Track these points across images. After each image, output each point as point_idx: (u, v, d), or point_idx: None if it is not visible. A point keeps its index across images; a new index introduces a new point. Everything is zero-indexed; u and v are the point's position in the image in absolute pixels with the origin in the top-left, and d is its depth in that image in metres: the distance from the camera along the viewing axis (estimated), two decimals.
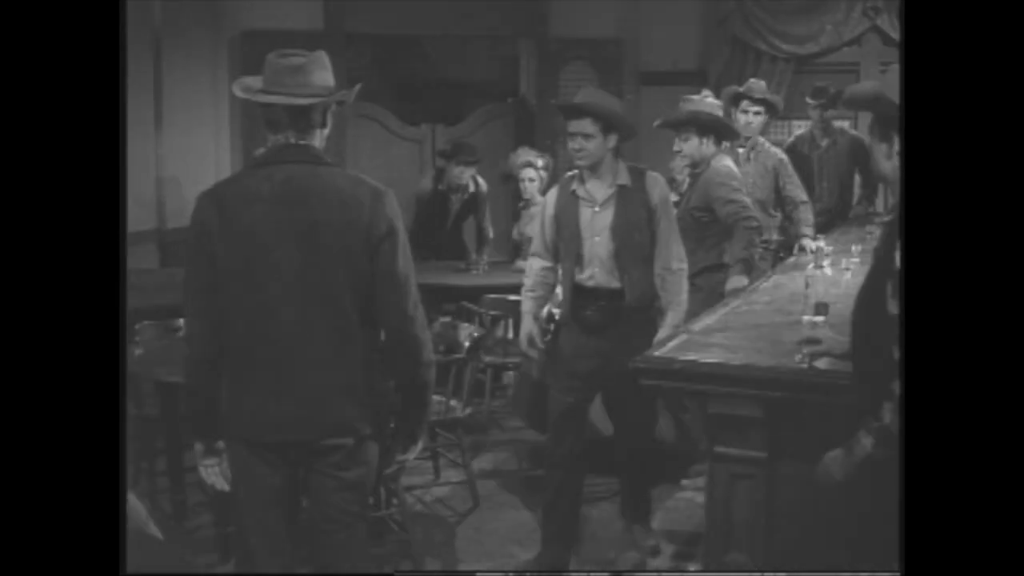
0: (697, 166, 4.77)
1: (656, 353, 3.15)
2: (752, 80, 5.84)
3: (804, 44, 7.82)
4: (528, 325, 4.03)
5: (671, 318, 3.85)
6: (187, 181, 7.11)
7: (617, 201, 3.83)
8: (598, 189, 3.85)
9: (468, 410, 4.54)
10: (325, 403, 2.61)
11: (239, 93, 2.66)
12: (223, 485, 2.77)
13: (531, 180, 6.35)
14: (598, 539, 4.22)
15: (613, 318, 3.84)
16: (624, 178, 3.84)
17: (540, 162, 6.40)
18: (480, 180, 6.80)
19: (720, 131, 4.77)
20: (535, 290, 4.04)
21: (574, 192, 3.89)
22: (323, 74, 2.62)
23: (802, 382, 2.90)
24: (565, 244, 3.91)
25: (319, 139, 2.65)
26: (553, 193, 4.01)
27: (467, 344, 4.51)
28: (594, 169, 3.82)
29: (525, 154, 6.45)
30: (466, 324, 4.99)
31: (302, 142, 2.61)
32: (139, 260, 6.20)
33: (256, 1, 7.51)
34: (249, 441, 2.66)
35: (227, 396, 2.66)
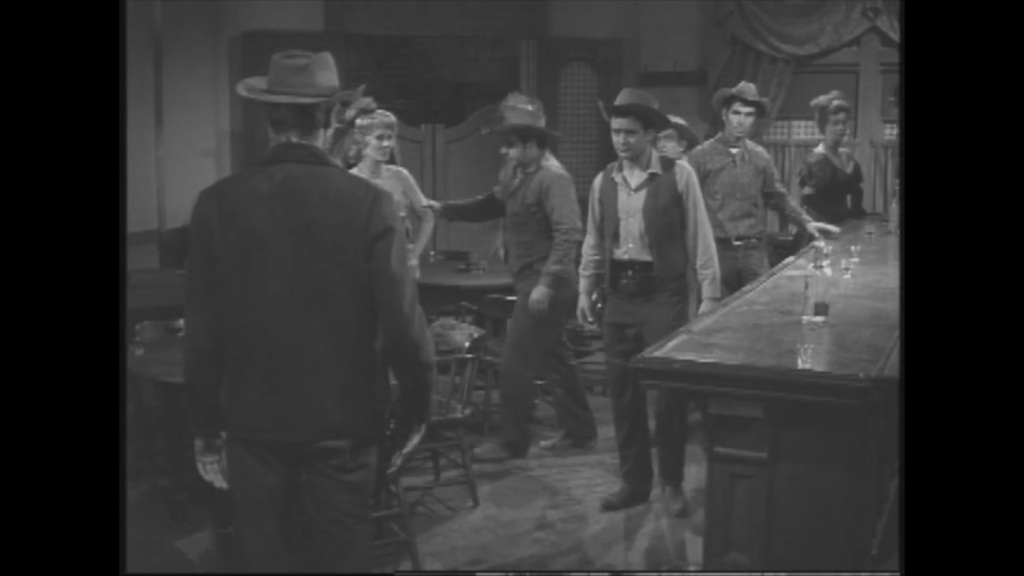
0: (528, 167, 5.11)
1: (656, 353, 3.15)
2: (743, 83, 5.85)
3: (803, 45, 7.83)
4: (583, 302, 4.71)
5: (707, 290, 4.39)
6: (187, 181, 7.11)
7: (649, 187, 4.38)
8: (633, 176, 4.41)
9: (468, 410, 4.54)
10: (322, 404, 2.61)
11: (244, 93, 2.67)
12: (221, 483, 2.77)
13: None
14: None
15: (645, 286, 4.40)
16: (656, 167, 4.40)
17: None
18: None
19: (539, 136, 5.15)
20: (587, 269, 4.68)
21: (613, 179, 4.47)
22: (327, 74, 2.64)
23: (802, 382, 2.90)
24: (606, 223, 4.50)
25: (322, 139, 2.66)
26: (598, 180, 4.58)
27: (467, 344, 4.52)
28: (634, 159, 4.36)
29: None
30: (466, 324, 5.00)
31: (304, 142, 2.62)
32: (139, 260, 6.19)
33: (256, 2, 7.51)
34: (247, 440, 2.66)
35: (225, 394, 2.66)
